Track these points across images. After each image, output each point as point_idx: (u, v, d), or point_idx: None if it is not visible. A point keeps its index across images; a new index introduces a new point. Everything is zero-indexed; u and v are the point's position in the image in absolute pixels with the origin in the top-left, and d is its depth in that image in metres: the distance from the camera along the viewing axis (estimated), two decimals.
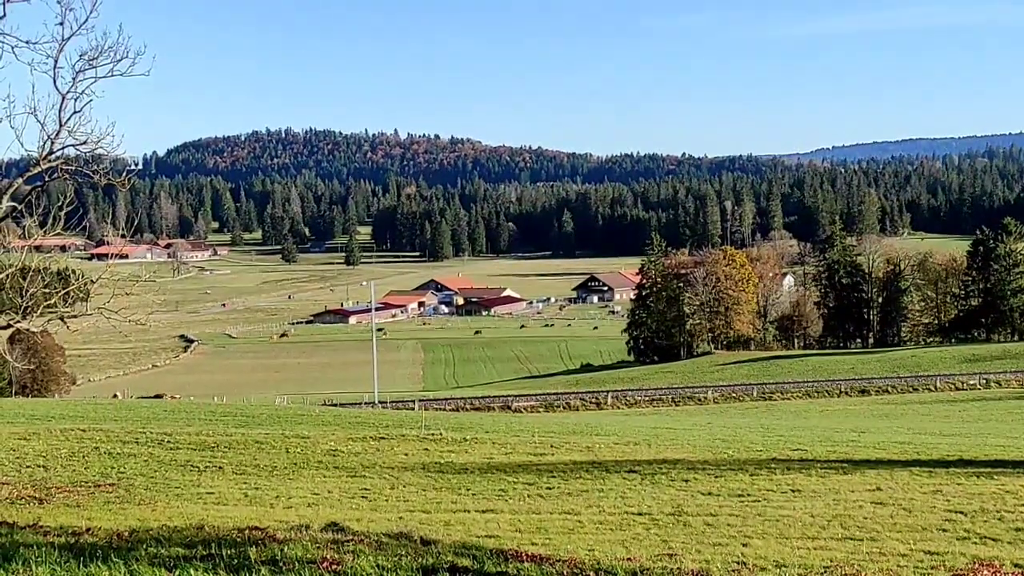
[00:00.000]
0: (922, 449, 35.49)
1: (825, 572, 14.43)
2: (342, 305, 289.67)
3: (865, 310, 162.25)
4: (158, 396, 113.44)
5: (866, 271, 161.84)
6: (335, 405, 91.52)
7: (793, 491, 24.74)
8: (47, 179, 21.85)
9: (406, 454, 34.41)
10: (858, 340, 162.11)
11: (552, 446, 36.23)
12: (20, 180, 21.41)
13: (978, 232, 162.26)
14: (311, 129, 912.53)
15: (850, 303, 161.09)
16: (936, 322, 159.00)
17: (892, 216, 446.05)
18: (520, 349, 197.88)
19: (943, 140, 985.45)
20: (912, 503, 22.62)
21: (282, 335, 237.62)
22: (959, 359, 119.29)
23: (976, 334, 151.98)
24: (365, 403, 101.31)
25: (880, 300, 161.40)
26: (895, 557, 16.11)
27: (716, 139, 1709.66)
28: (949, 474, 27.70)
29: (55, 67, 20.22)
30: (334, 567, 13.30)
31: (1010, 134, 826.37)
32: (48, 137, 20.81)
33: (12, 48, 19.54)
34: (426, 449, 35.59)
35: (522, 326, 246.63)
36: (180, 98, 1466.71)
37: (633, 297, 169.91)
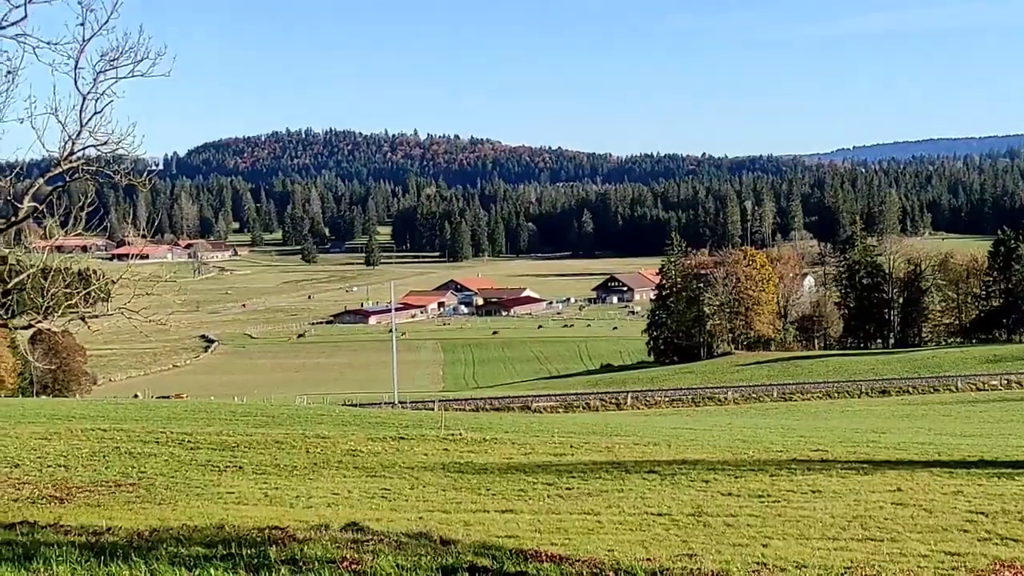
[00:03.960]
0: (943, 450, 35.32)
1: (846, 573, 14.37)
2: (362, 305, 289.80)
3: (886, 310, 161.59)
4: (167, 396, 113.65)
5: (887, 271, 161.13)
6: (355, 405, 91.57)
7: (813, 492, 24.65)
8: (68, 179, 21.93)
9: (426, 454, 34.44)
10: (879, 340, 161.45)
11: (572, 446, 36.19)
12: (41, 180, 21.51)
13: (999, 232, 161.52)
14: (331, 130, 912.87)
15: (871, 303, 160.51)
16: (957, 322, 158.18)
17: (913, 216, 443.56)
18: (539, 349, 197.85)
19: (964, 140, 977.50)
20: (933, 504, 22.51)
21: (300, 335, 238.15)
22: (980, 360, 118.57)
23: (997, 334, 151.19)
24: (385, 403, 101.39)
25: (901, 300, 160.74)
26: (916, 558, 16.05)
27: (736, 139, 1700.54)
28: (970, 475, 27.55)
29: (76, 68, 20.26)
30: (354, 567, 13.31)
31: None
32: (69, 138, 20.87)
33: (33, 49, 19.60)
34: (446, 449, 35.60)
35: (541, 326, 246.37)
36: (200, 98, 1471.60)
37: (653, 297, 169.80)
